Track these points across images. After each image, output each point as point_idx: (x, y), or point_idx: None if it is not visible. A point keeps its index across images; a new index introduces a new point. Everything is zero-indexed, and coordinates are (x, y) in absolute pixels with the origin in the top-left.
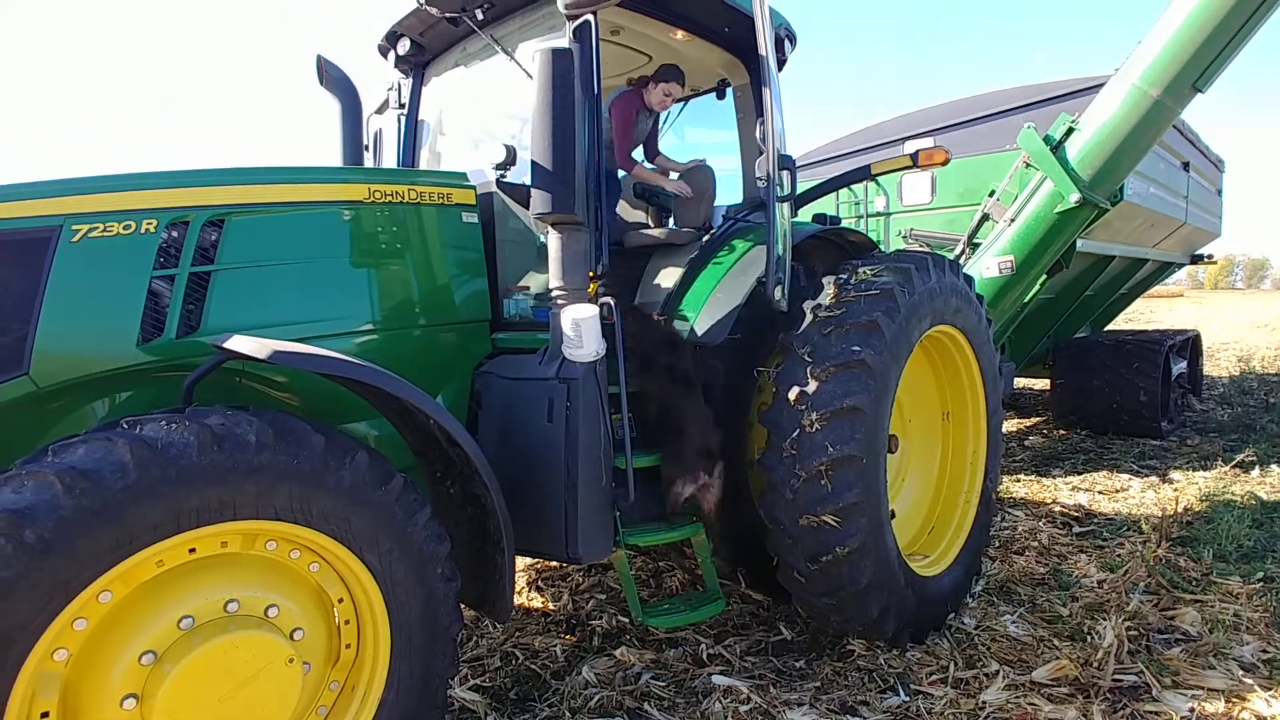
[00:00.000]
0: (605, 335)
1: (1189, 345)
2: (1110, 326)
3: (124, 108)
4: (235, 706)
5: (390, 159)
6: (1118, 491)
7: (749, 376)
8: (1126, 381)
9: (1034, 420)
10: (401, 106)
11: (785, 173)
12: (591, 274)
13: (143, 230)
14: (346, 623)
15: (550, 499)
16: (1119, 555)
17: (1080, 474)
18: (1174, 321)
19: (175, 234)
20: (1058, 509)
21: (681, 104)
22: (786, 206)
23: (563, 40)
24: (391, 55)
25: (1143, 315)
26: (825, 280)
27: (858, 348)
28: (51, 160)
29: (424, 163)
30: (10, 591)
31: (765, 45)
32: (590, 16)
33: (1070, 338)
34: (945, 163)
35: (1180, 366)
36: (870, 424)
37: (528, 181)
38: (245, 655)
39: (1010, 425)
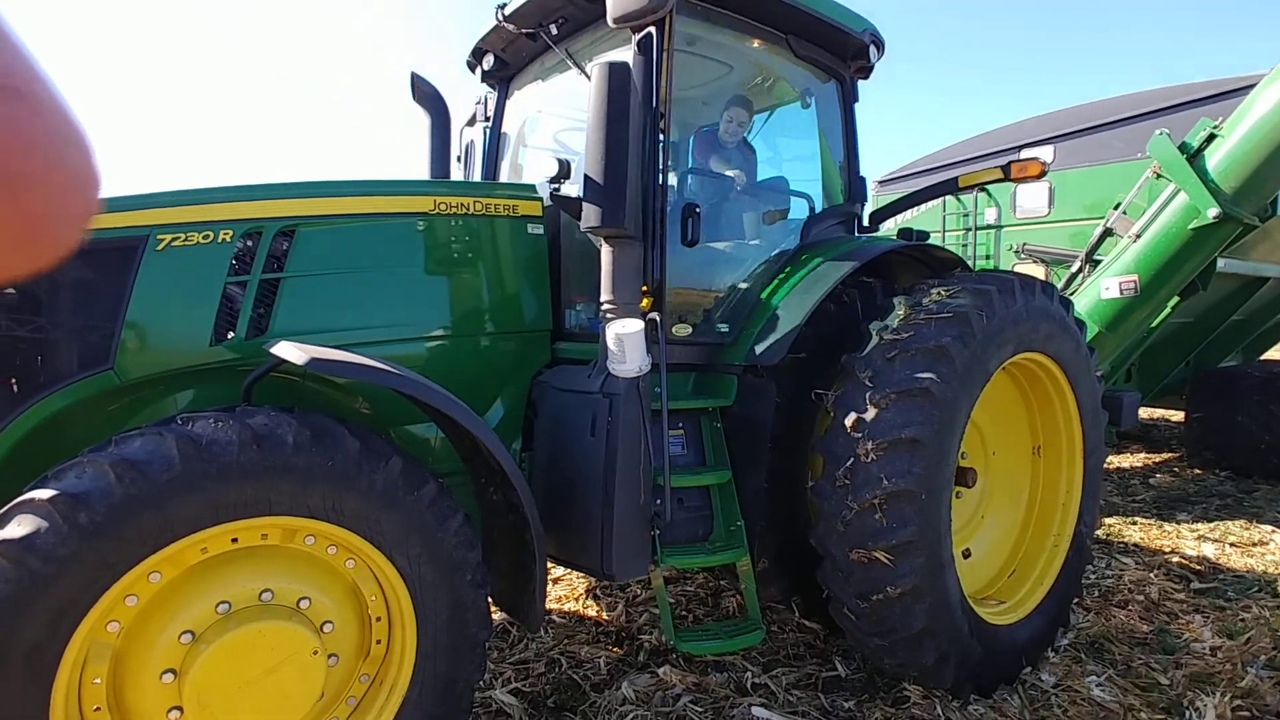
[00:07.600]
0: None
1: None
2: (1273, 354)
3: (120, 99)
4: (260, 691)
5: (480, 170)
6: (1254, 545)
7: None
8: (1278, 419)
9: (1165, 456)
10: (487, 119)
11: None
12: (645, 288)
13: (220, 239)
14: (378, 619)
15: (588, 513)
16: (1242, 620)
17: (1211, 521)
18: None
19: (249, 243)
20: (1176, 560)
21: (767, 114)
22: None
23: (629, 53)
24: (478, 70)
25: None
26: (897, 300)
27: (922, 375)
28: None
29: (505, 174)
30: (64, 568)
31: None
32: (653, 30)
33: (1214, 366)
34: (1041, 176)
35: None
36: (931, 457)
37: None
38: (272, 643)
39: (1136, 460)
